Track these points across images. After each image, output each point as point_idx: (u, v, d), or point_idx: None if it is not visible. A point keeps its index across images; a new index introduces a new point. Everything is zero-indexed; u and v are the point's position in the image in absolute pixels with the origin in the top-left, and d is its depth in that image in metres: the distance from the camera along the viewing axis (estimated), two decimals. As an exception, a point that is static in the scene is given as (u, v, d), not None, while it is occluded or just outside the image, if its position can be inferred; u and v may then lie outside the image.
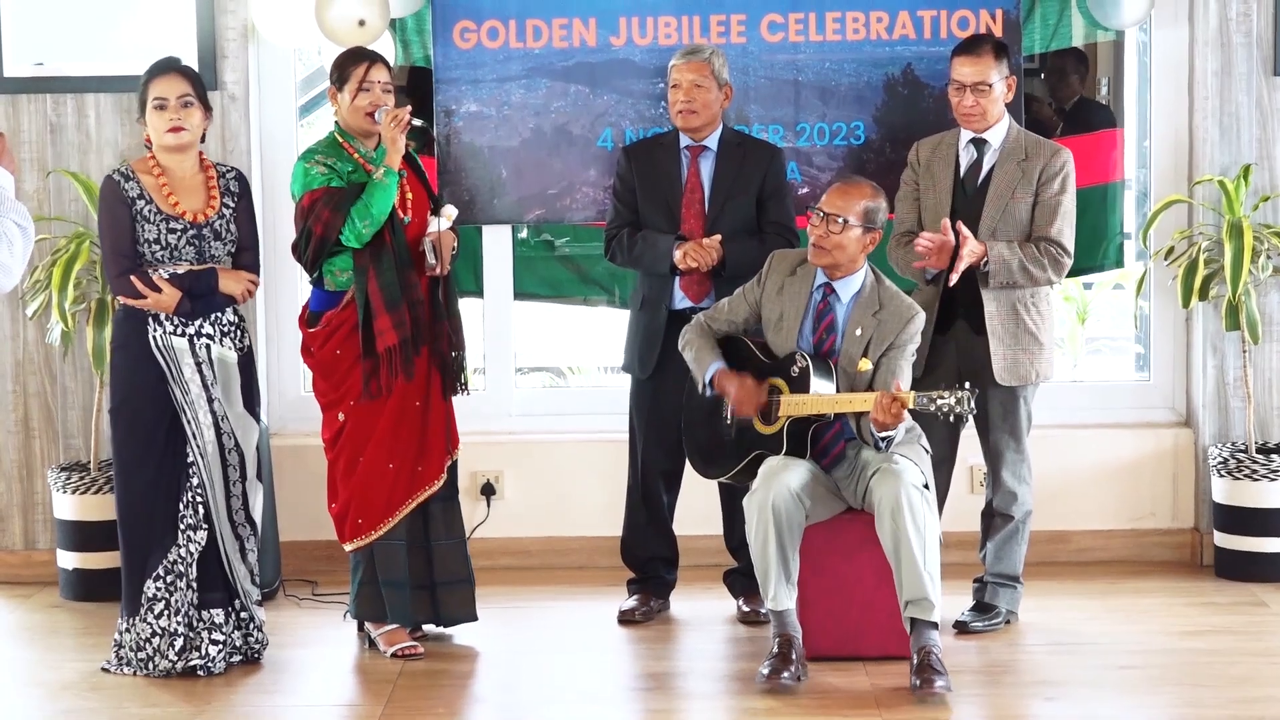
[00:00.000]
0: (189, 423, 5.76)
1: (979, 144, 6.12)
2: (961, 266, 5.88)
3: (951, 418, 5.45)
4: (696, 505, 6.58)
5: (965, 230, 5.90)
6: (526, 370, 7.90)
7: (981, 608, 6.22)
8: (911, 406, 5.47)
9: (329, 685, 5.81)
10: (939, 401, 5.43)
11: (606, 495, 6.96)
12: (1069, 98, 7.10)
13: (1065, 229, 6.06)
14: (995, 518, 6.24)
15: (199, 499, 5.78)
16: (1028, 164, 6.06)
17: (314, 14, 6.74)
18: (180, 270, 5.74)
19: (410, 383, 5.91)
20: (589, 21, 6.88)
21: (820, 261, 5.73)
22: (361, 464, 5.96)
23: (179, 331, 5.75)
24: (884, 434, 5.58)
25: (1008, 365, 6.06)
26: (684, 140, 6.31)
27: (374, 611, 6.05)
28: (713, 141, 6.30)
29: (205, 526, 5.78)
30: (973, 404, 5.40)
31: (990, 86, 6.02)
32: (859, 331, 5.72)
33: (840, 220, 5.66)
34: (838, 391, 5.66)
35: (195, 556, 5.77)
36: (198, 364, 5.77)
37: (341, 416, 5.96)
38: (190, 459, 5.78)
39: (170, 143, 5.75)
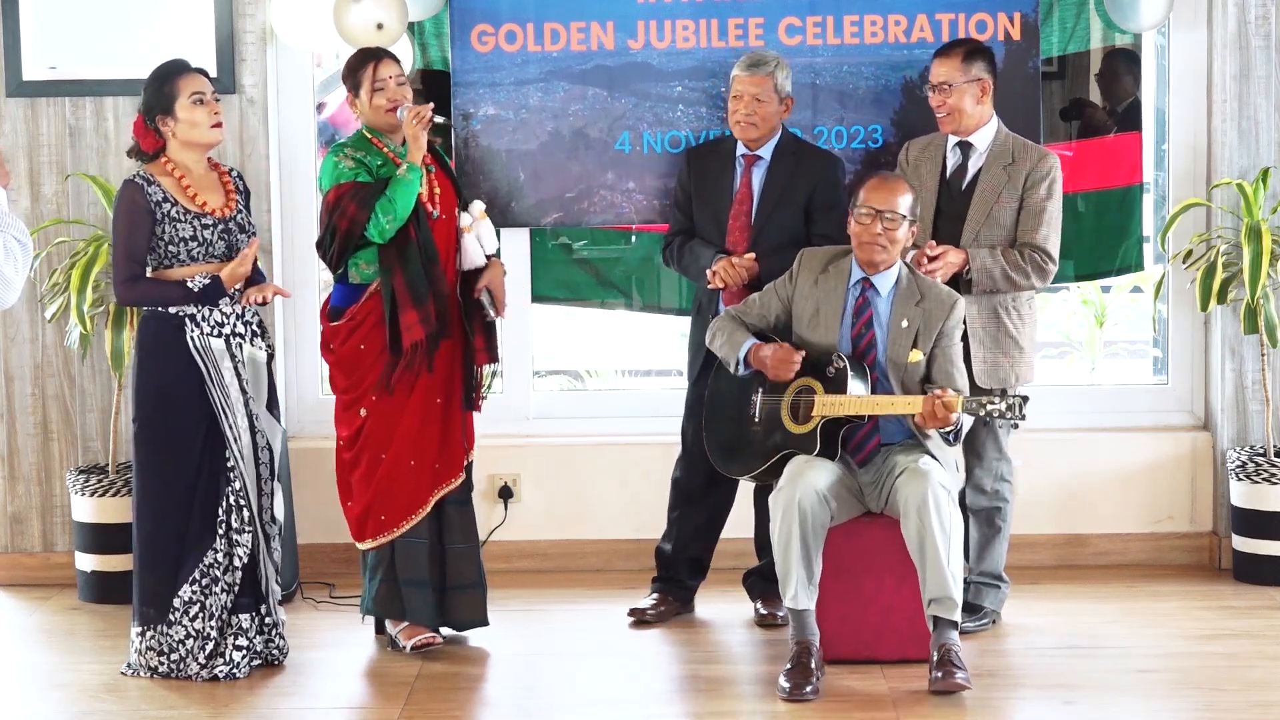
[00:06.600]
0: (229, 426, 5.76)
1: (965, 147, 6.17)
2: (939, 278, 5.91)
3: (1000, 425, 5.47)
4: (714, 508, 6.57)
5: (940, 247, 5.95)
6: (544, 373, 7.90)
7: (969, 608, 6.20)
8: (960, 411, 5.48)
9: (347, 688, 5.82)
10: (989, 407, 5.44)
11: (624, 498, 6.97)
12: (1123, 99, 7.07)
13: (1051, 235, 6.09)
14: (973, 516, 6.20)
15: (241, 502, 5.78)
16: (1014, 168, 6.10)
17: (332, 18, 6.75)
18: (207, 280, 5.73)
19: (433, 379, 5.93)
20: (607, 25, 6.88)
21: (874, 258, 5.72)
22: (385, 460, 5.96)
23: (215, 333, 5.75)
24: (946, 430, 5.60)
25: (988, 369, 6.08)
26: (740, 148, 6.32)
27: (392, 609, 6.04)
28: (767, 151, 6.29)
29: (250, 529, 5.79)
30: (1024, 411, 5.40)
31: (951, 86, 6.08)
32: (905, 323, 5.73)
33: (896, 216, 5.67)
34: (872, 394, 5.67)
35: (244, 561, 5.78)
36: (235, 364, 5.78)
37: (363, 412, 5.96)
38: (230, 463, 5.78)
39: (214, 138, 5.79)
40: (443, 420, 6.02)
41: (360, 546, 6.06)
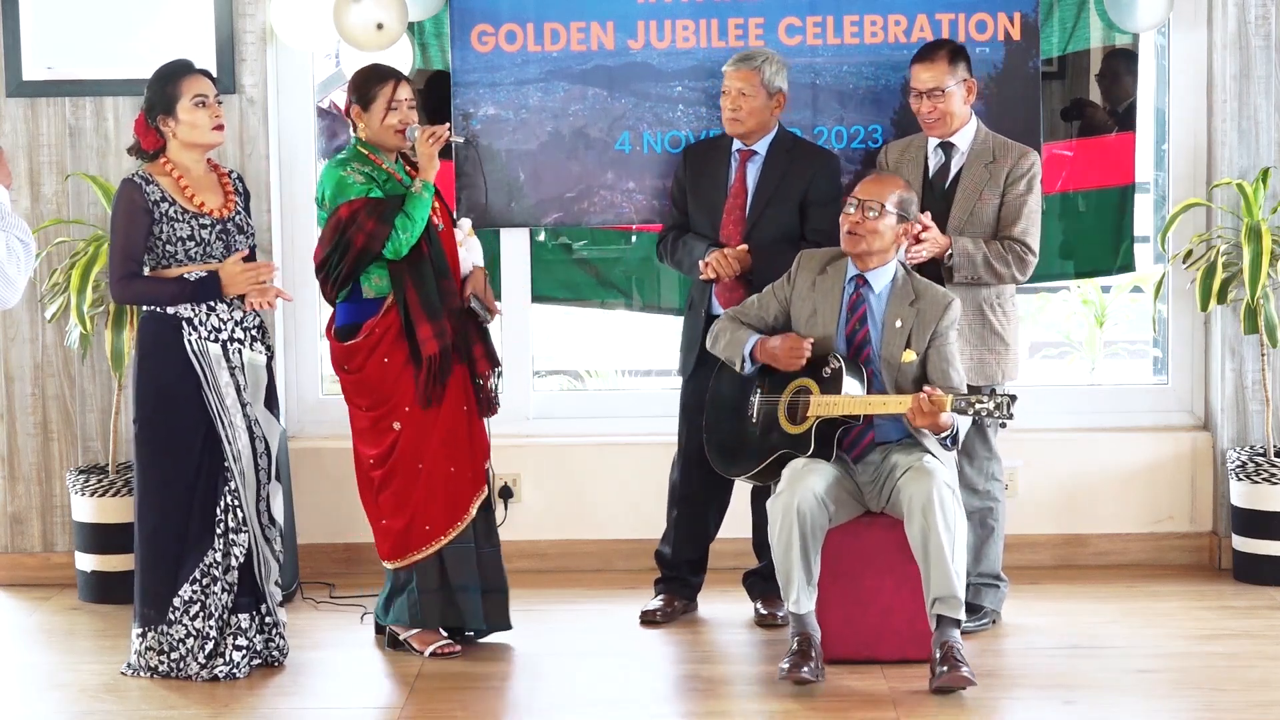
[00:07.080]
0: (225, 428, 5.76)
1: (947, 147, 6.22)
2: (922, 254, 5.92)
3: (988, 424, 5.47)
4: (714, 508, 6.57)
5: (927, 220, 5.95)
6: (544, 373, 7.90)
7: (968, 608, 6.19)
8: (949, 409, 5.48)
9: (347, 687, 5.82)
10: (977, 406, 5.45)
11: (624, 498, 6.97)
12: (1123, 99, 7.08)
13: (1031, 229, 6.14)
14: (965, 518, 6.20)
15: (236, 503, 5.78)
16: (995, 166, 6.16)
17: (332, 18, 6.75)
18: (204, 274, 5.72)
19: (457, 387, 5.93)
20: (607, 25, 6.88)
21: (854, 249, 5.75)
22: (423, 470, 5.93)
23: (213, 337, 5.75)
24: (943, 435, 5.60)
25: (974, 365, 6.11)
26: (736, 144, 6.33)
27: (450, 615, 6.01)
28: (762, 146, 6.31)
29: (245, 530, 5.79)
30: (1012, 410, 5.40)
31: (944, 92, 6.11)
32: (899, 323, 5.74)
33: (876, 206, 5.69)
34: (869, 394, 5.68)
35: (239, 561, 5.78)
36: (231, 370, 5.77)
37: (397, 426, 5.92)
38: (226, 463, 5.78)
39: (215, 140, 5.79)
40: (469, 427, 6.02)
41: (392, 566, 6.00)
